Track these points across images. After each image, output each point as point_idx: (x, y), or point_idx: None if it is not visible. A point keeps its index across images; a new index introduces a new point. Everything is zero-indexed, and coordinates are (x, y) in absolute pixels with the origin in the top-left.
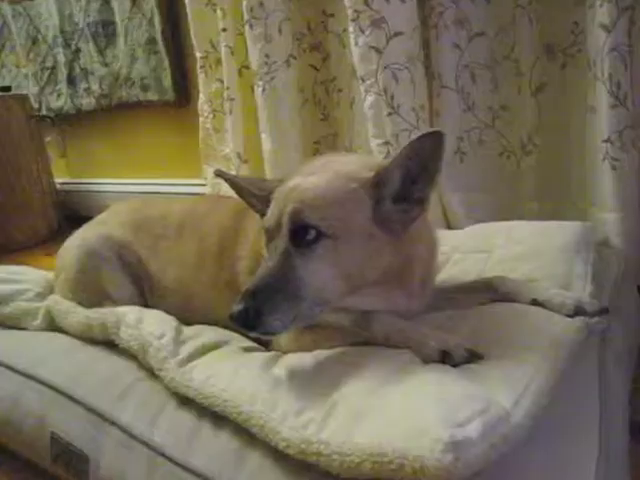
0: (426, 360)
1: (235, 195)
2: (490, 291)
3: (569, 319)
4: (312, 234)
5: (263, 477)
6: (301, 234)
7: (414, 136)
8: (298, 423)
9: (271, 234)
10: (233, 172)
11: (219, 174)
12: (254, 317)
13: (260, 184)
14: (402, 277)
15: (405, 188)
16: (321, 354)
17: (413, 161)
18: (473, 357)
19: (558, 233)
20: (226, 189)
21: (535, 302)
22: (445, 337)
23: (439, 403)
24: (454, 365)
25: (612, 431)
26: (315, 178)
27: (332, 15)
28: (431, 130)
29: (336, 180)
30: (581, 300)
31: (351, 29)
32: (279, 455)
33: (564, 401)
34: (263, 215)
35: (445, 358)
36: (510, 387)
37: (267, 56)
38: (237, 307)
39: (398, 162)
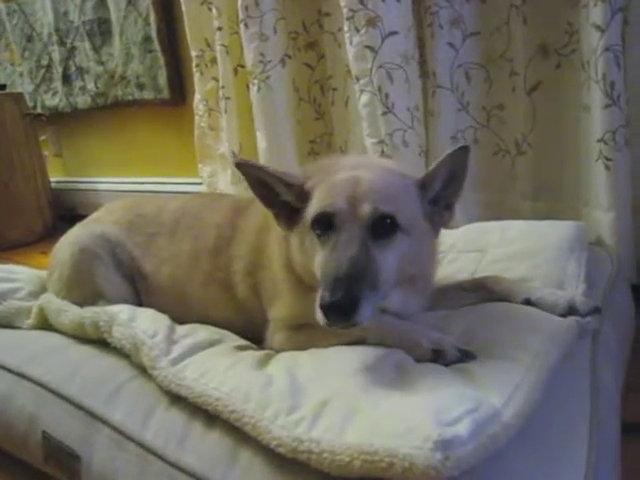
0: (419, 359)
1: (230, 191)
2: (484, 291)
3: (561, 318)
4: (390, 226)
5: (254, 475)
6: (380, 226)
7: (448, 151)
8: (289, 421)
9: (338, 223)
10: (228, 170)
11: (241, 163)
12: (350, 307)
13: (286, 174)
14: (420, 280)
15: (438, 194)
16: (314, 353)
17: (446, 170)
18: (465, 357)
19: (552, 233)
20: (222, 187)
21: (528, 302)
22: (438, 337)
23: (430, 402)
24: (446, 364)
25: (603, 430)
26: (372, 172)
27: (327, 14)
28: (461, 145)
29: (393, 176)
30: (574, 300)
31: (346, 28)
32: (270, 453)
33: (555, 399)
34: (278, 210)
35: (438, 357)
36: (501, 386)
37: (262, 55)
38: (331, 297)
39: (439, 170)
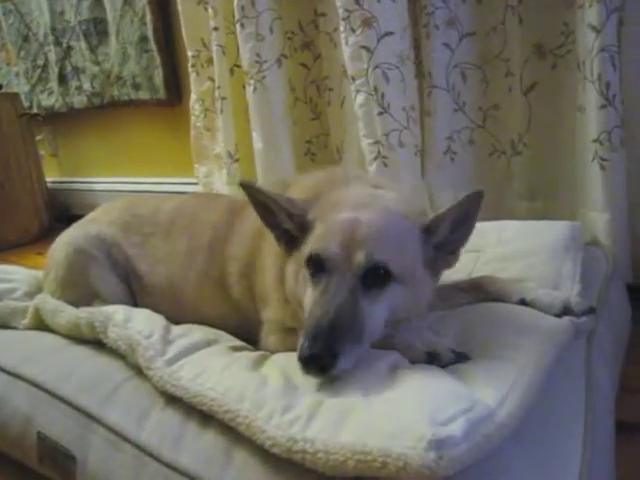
0: (414, 362)
1: (226, 192)
2: (479, 291)
3: (556, 319)
4: (383, 276)
5: (249, 475)
6: (373, 275)
7: (461, 196)
8: (284, 421)
9: (331, 268)
10: (224, 171)
11: (246, 185)
12: (328, 361)
13: (289, 202)
14: (414, 319)
15: (444, 238)
16: None
17: (456, 214)
18: (460, 358)
19: (547, 233)
20: (218, 188)
21: (523, 302)
22: (432, 340)
23: (424, 402)
24: (442, 366)
25: (597, 429)
26: (373, 214)
27: (323, 14)
28: (476, 190)
29: (396, 219)
30: (569, 300)
31: (342, 28)
32: (265, 453)
33: (550, 399)
34: (279, 233)
35: (432, 360)
36: (496, 386)
37: (258, 55)
38: (310, 349)
39: (449, 214)
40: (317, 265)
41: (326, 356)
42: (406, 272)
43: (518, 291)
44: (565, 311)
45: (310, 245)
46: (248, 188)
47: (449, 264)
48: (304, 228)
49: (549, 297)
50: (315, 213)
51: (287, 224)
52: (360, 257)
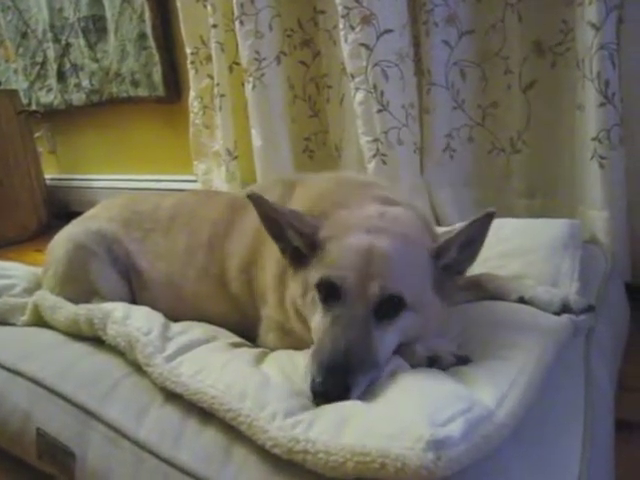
0: (415, 366)
1: (225, 189)
2: (478, 289)
3: (555, 317)
4: (397, 305)
5: (249, 473)
6: (386, 305)
7: (470, 220)
8: (286, 424)
9: (344, 297)
10: (223, 168)
11: (253, 197)
12: (341, 395)
13: (298, 219)
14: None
15: (452, 260)
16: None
17: (465, 236)
18: (461, 361)
19: (546, 231)
20: (217, 185)
21: (522, 300)
22: (433, 343)
23: (422, 403)
24: (442, 369)
25: (597, 428)
26: (388, 241)
27: (322, 12)
28: (487, 212)
29: (408, 247)
30: (568, 298)
31: (341, 26)
32: (265, 452)
33: (549, 398)
34: (285, 246)
35: (433, 363)
36: (494, 386)
37: (257, 52)
38: (323, 385)
39: (458, 237)
40: (329, 291)
41: (339, 391)
42: (418, 300)
43: (517, 289)
44: (564, 309)
45: (322, 269)
46: (256, 200)
47: (456, 284)
48: (314, 247)
49: (548, 295)
50: (326, 233)
51: (296, 241)
52: (375, 288)
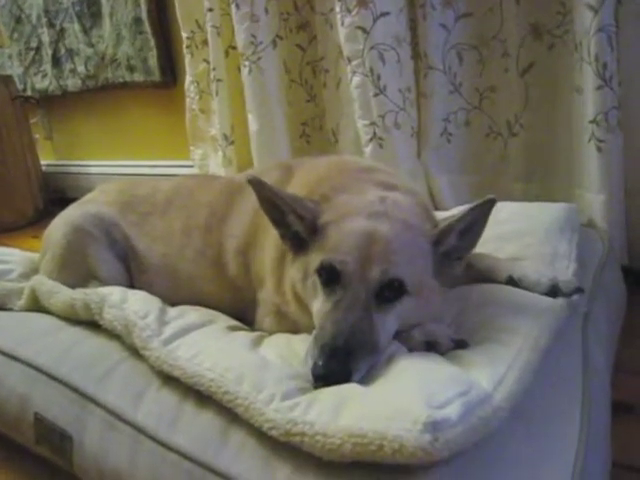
0: (413, 350)
1: (221, 174)
2: (469, 269)
3: (552, 300)
4: (397, 290)
5: (246, 456)
6: (387, 289)
7: (470, 206)
8: (284, 406)
9: (345, 281)
10: (220, 153)
11: (254, 182)
12: (343, 378)
13: (299, 204)
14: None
15: (452, 246)
16: (307, 340)
17: (465, 222)
18: (459, 345)
19: (543, 214)
20: (214, 170)
21: (511, 279)
22: (430, 328)
23: (420, 386)
24: (440, 353)
25: (594, 410)
26: (389, 226)
27: None
28: (487, 198)
29: (409, 232)
30: (557, 279)
31: (337, 9)
32: (262, 434)
33: (547, 380)
34: (285, 231)
35: (431, 348)
36: (492, 369)
37: (253, 36)
38: (324, 368)
39: (458, 223)
40: (330, 275)
41: (340, 374)
42: (418, 285)
43: (506, 268)
44: (553, 289)
45: (323, 253)
46: (256, 185)
47: (456, 272)
48: (315, 231)
49: (537, 275)
50: (327, 217)
51: (296, 226)
52: (376, 272)
